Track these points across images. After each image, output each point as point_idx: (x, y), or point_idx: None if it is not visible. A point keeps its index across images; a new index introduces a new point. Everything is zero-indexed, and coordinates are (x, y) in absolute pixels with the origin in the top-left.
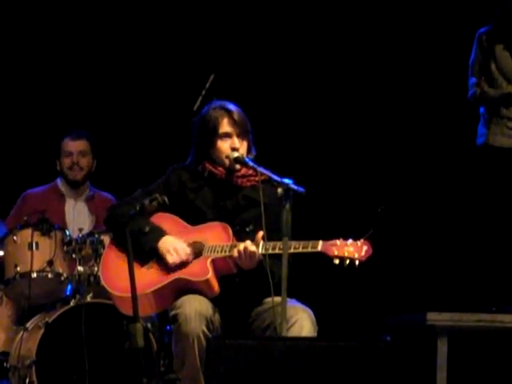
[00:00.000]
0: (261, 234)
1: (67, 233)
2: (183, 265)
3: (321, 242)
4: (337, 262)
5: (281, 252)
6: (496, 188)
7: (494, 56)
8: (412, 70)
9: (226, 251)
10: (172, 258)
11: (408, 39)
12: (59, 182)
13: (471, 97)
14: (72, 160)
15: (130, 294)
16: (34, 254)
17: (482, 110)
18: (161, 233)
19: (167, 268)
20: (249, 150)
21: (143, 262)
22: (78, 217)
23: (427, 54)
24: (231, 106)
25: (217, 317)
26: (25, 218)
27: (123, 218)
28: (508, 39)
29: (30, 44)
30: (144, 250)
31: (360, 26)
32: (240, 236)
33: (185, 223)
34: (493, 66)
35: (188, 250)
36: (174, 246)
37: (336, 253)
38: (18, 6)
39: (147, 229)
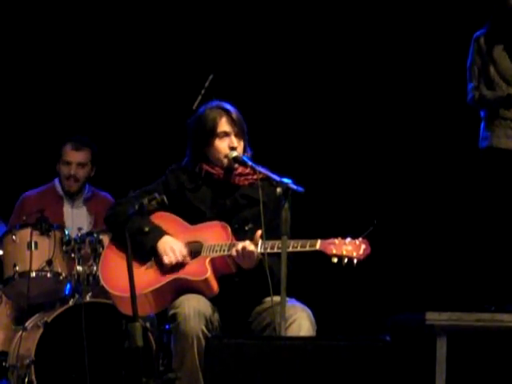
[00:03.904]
0: (259, 232)
1: (66, 232)
2: (180, 265)
3: (319, 241)
4: (335, 260)
5: (280, 251)
6: (500, 190)
7: (493, 58)
8: (413, 72)
9: (224, 250)
10: (168, 259)
11: (409, 41)
12: (57, 182)
13: (470, 101)
14: (69, 171)
15: (129, 294)
16: (33, 253)
17: (482, 113)
18: (160, 232)
19: (166, 268)
20: (245, 150)
21: (143, 262)
22: (76, 217)
23: (429, 57)
24: (228, 106)
25: (216, 316)
26: (24, 218)
27: (122, 216)
28: (506, 41)
29: (30, 47)
30: (145, 250)
31: (360, 27)
32: (239, 235)
33: (184, 222)
34: (491, 69)
35: (184, 252)
36: (171, 246)
37: (334, 251)
38: (19, 11)
39: (147, 229)
